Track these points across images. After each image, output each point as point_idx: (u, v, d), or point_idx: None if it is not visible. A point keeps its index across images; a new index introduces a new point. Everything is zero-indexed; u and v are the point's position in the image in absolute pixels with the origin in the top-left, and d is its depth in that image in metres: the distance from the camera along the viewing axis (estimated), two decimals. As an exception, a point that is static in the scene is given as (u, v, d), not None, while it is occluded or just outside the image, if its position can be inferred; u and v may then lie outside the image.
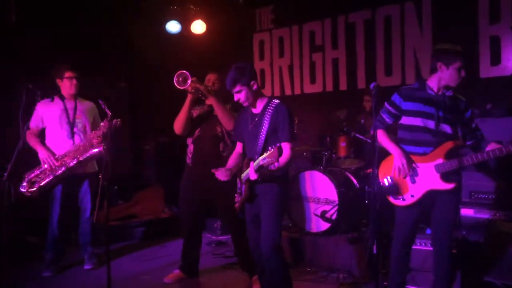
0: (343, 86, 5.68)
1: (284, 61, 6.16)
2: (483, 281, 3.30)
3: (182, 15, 5.89)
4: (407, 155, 2.97)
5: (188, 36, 5.97)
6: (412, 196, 2.96)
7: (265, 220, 3.09)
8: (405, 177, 2.97)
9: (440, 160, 2.89)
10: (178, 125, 3.79)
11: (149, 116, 6.56)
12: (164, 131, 5.75)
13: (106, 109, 3.72)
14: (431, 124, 2.93)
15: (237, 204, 3.24)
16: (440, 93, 2.96)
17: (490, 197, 3.72)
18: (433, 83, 2.98)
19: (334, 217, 4.19)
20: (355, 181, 4.41)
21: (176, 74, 3.62)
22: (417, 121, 2.96)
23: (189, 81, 3.59)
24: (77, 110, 4.22)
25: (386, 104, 3.09)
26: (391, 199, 3.03)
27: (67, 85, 4.18)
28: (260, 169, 2.92)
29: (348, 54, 5.61)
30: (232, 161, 3.34)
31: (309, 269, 4.09)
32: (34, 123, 4.14)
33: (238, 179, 3.22)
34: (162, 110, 5.97)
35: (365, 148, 4.70)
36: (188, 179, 3.93)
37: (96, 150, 4.06)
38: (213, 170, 3.18)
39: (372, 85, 2.73)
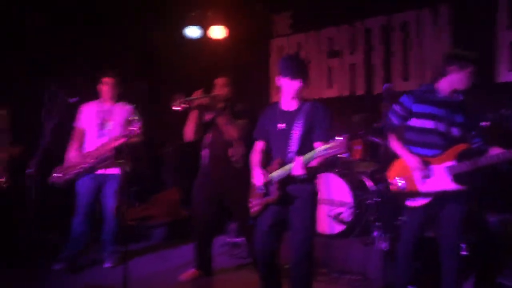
0: (360, 91, 5.70)
1: (301, 66, 6.21)
2: (497, 283, 3.28)
3: (202, 20, 6.02)
4: (419, 158, 3.00)
5: (208, 41, 6.10)
6: (424, 196, 2.98)
7: (299, 224, 3.00)
8: (425, 178, 2.97)
9: (452, 162, 2.91)
10: (188, 133, 3.92)
11: (169, 119, 6.68)
12: (182, 134, 5.86)
13: (135, 115, 3.90)
14: (441, 127, 2.97)
15: (257, 207, 3.10)
16: (451, 96, 3.00)
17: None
18: (444, 86, 3.02)
19: (348, 219, 4.21)
20: (370, 184, 4.42)
21: (172, 99, 3.66)
22: (429, 124, 3.00)
23: (182, 106, 3.67)
24: (111, 113, 4.40)
25: (393, 105, 3.11)
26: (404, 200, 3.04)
27: (103, 89, 4.40)
28: (307, 165, 2.82)
29: (365, 59, 5.64)
30: (258, 159, 3.20)
31: (322, 271, 4.12)
32: (77, 122, 4.44)
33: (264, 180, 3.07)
34: (181, 114, 6.08)
35: (379, 151, 4.71)
36: (202, 181, 4.02)
37: (108, 154, 4.20)
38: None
39: (384, 87, 2.78)
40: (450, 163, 2.92)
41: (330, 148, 2.67)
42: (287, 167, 2.94)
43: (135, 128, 4.08)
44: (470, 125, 3.01)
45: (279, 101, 3.18)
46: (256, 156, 3.24)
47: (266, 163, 3.18)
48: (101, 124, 4.36)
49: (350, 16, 5.72)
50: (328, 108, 3.07)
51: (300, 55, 3.06)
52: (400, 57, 5.34)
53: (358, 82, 5.71)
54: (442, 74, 3.03)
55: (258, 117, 3.32)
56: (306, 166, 2.84)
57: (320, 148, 2.74)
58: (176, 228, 5.61)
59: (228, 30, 6.00)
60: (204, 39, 6.07)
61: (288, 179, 2.96)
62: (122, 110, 4.45)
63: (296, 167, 2.84)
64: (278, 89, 3.14)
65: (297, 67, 3.00)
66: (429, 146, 3.00)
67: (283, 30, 6.36)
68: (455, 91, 3.00)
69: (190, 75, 6.01)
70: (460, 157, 2.91)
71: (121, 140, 4.16)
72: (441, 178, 2.94)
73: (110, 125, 4.37)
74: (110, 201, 4.39)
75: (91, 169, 4.27)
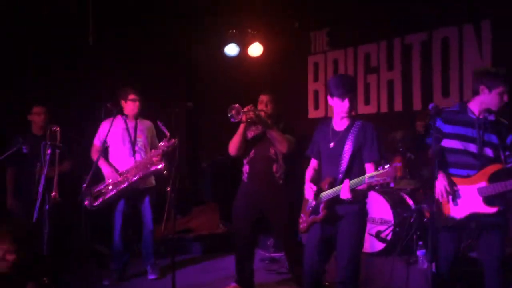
0: (398, 107, 5.67)
1: (338, 83, 6.24)
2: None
3: (240, 38, 6.16)
4: (449, 178, 2.98)
5: (246, 58, 6.22)
6: (454, 218, 2.95)
7: (346, 244, 3.01)
8: (447, 199, 2.97)
9: (483, 183, 2.87)
10: (233, 148, 3.97)
11: (207, 135, 6.84)
12: (221, 150, 6.00)
13: (165, 130, 4.03)
14: (472, 147, 2.95)
15: (304, 224, 3.16)
16: (481, 116, 2.98)
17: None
18: (475, 106, 3.01)
19: (389, 237, 4.19)
20: (410, 202, 4.39)
21: (229, 108, 3.73)
22: (456, 144, 2.99)
23: (239, 117, 3.72)
24: (137, 130, 4.49)
25: (428, 127, 3.13)
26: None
27: (130, 106, 4.46)
28: (354, 189, 2.86)
29: (404, 75, 5.61)
30: (311, 176, 3.24)
31: (364, 289, 4.11)
32: (98, 140, 4.45)
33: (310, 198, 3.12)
34: (219, 130, 6.24)
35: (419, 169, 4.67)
36: (242, 196, 4.08)
37: (159, 166, 4.29)
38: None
39: (430, 106, 2.78)
40: (481, 185, 2.87)
41: (377, 176, 2.73)
42: (336, 188, 2.97)
43: (172, 141, 4.16)
44: (504, 145, 2.95)
45: (332, 119, 3.20)
46: (310, 172, 3.28)
47: (318, 181, 3.20)
48: (133, 142, 4.43)
49: (388, 32, 5.73)
50: (377, 128, 3.08)
51: (349, 74, 3.04)
52: (440, 73, 5.31)
53: (396, 99, 5.69)
54: (473, 93, 3.02)
55: (313, 134, 3.32)
56: (353, 190, 2.87)
57: (368, 175, 2.80)
58: (214, 241, 5.70)
59: (266, 48, 6.11)
60: (242, 57, 6.20)
61: (336, 200, 2.99)
62: (145, 126, 4.56)
63: (343, 190, 2.88)
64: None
65: (346, 87, 3.02)
66: (462, 166, 2.96)
67: (320, 47, 6.43)
68: (487, 111, 2.96)
69: (228, 92, 6.14)
70: (492, 179, 2.85)
71: (159, 156, 4.26)
72: (472, 200, 2.90)
73: (140, 142, 4.47)
74: (146, 215, 4.50)
75: (131, 186, 4.33)
